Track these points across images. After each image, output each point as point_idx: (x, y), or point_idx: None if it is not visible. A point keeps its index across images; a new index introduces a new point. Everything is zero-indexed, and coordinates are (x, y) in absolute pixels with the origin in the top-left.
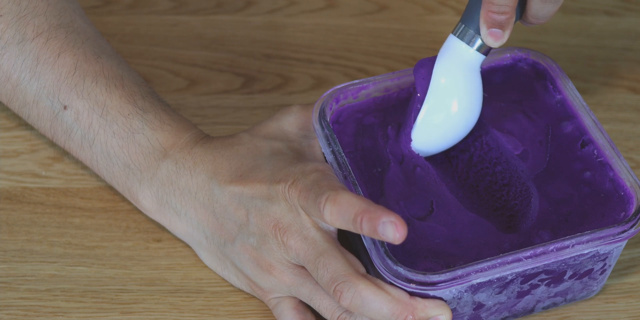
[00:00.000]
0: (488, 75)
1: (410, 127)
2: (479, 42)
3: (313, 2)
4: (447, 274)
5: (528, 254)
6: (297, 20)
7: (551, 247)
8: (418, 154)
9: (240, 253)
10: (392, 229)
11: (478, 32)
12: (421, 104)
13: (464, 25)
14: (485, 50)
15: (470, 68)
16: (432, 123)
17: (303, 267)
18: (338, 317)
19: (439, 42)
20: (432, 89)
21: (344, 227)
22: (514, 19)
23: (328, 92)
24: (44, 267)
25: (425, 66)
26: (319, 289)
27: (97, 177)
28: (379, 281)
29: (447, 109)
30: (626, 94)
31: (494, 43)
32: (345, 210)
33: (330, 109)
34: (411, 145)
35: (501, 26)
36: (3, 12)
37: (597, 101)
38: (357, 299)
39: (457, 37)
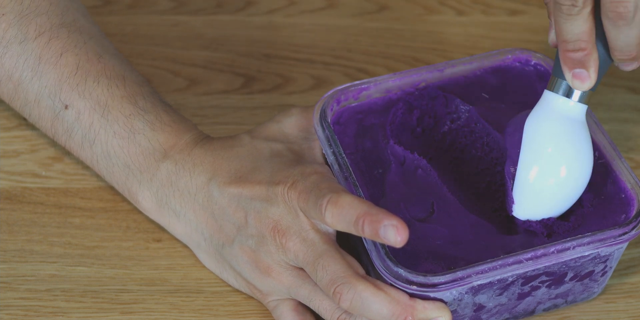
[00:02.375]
0: (489, 76)
1: (511, 191)
2: (579, 92)
3: (313, 2)
4: (448, 275)
5: (529, 255)
6: (297, 20)
7: (552, 249)
8: (421, 157)
9: (238, 255)
10: (393, 232)
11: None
12: (517, 167)
13: (557, 78)
14: (584, 98)
15: (575, 121)
16: (541, 190)
17: (301, 269)
18: (338, 318)
19: (439, 42)
20: (538, 153)
21: (345, 229)
22: (596, 55)
23: (329, 93)
24: (44, 267)
25: (516, 127)
26: (318, 291)
27: (97, 177)
28: (378, 282)
29: (558, 175)
30: (626, 94)
31: (581, 86)
32: (346, 212)
33: (331, 110)
34: (513, 210)
35: (582, 64)
36: (5, 11)
37: (597, 101)
38: (357, 300)
39: (553, 91)
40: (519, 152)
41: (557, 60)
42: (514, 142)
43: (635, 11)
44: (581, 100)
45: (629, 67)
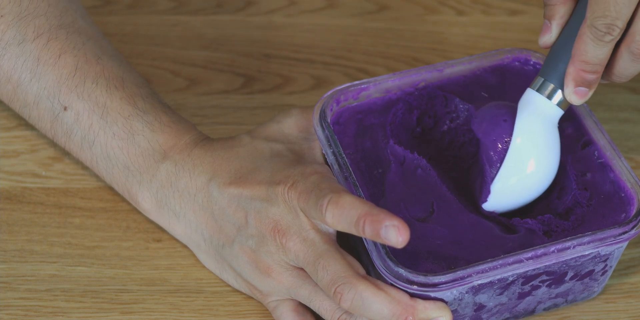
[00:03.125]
0: (488, 76)
1: (487, 185)
2: (559, 97)
3: (313, 2)
4: (448, 275)
5: (529, 255)
6: (297, 20)
7: (552, 249)
8: (420, 157)
9: (238, 256)
10: (394, 233)
11: (560, 87)
12: (491, 162)
13: (544, 80)
14: (565, 105)
15: (550, 123)
16: (508, 183)
17: (302, 269)
18: (338, 319)
19: (439, 42)
20: (510, 148)
21: (345, 229)
22: (600, 77)
23: (328, 93)
24: (44, 267)
25: (484, 117)
26: (319, 291)
27: (97, 177)
28: (379, 282)
29: (525, 169)
30: (626, 94)
31: (577, 101)
32: (347, 212)
33: (331, 110)
34: (484, 205)
35: (589, 85)
36: (4, 13)
37: (597, 101)
38: (358, 300)
39: (537, 91)
40: (492, 140)
41: (551, 65)
42: (483, 131)
43: None
44: (559, 105)
45: (582, 100)
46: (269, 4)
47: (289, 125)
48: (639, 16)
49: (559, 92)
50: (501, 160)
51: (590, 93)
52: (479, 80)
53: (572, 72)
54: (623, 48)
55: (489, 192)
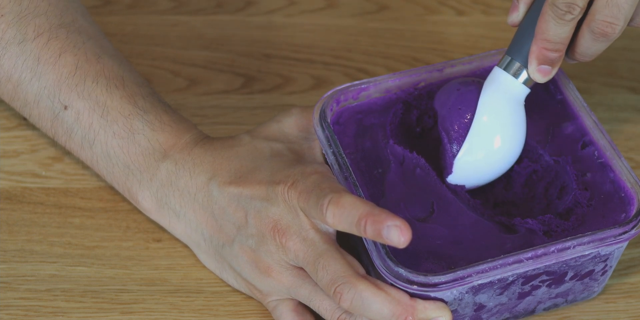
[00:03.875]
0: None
1: (450, 160)
2: (525, 76)
3: (313, 2)
4: (448, 275)
5: (529, 255)
6: (297, 20)
7: (552, 249)
8: (419, 157)
9: (238, 255)
10: (396, 233)
11: (526, 65)
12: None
13: (510, 58)
14: (531, 84)
15: (515, 101)
16: (474, 159)
17: (302, 269)
18: (338, 318)
19: (439, 42)
20: (474, 124)
21: (346, 230)
22: (563, 55)
23: (328, 93)
24: (44, 267)
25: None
26: (319, 290)
27: (97, 177)
28: (379, 282)
29: (491, 146)
30: (626, 94)
31: (541, 79)
32: (348, 213)
33: (331, 110)
34: (449, 178)
35: (552, 63)
36: (4, 12)
37: (597, 101)
38: (358, 300)
39: (504, 69)
40: (448, 110)
41: (517, 44)
42: (440, 102)
43: (618, 34)
44: (525, 83)
45: (546, 78)
46: (269, 4)
47: (289, 124)
48: None
49: (525, 70)
50: (459, 132)
51: (554, 71)
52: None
53: (535, 50)
54: (584, 27)
55: (452, 165)
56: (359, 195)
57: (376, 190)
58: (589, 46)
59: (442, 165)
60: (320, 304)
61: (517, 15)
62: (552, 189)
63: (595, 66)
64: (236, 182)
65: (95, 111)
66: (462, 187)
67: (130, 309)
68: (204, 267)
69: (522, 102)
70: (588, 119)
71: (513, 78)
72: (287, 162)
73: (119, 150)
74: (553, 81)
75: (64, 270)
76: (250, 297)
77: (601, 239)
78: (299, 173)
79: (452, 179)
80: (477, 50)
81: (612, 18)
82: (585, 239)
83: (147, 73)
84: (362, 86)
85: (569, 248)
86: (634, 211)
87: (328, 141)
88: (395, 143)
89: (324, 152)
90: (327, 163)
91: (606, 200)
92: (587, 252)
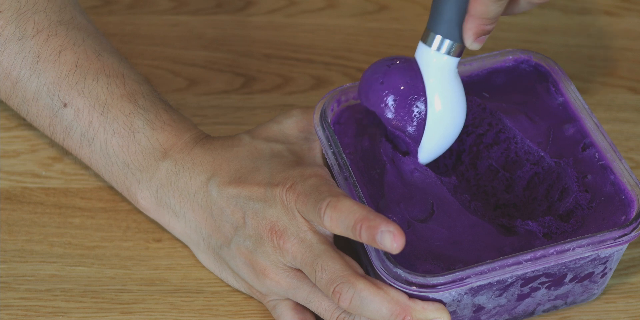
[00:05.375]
0: (490, 77)
1: (414, 146)
2: (452, 47)
3: (313, 2)
4: (447, 276)
5: (528, 257)
6: (297, 20)
7: (551, 250)
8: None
9: (235, 256)
10: (390, 239)
11: (455, 40)
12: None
13: (432, 32)
14: (459, 52)
15: (450, 71)
16: (434, 141)
17: (299, 270)
18: (337, 318)
19: None
20: (429, 111)
21: (342, 233)
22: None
23: (329, 93)
24: (44, 267)
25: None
26: (317, 291)
27: (97, 177)
28: (377, 282)
29: (445, 125)
30: (626, 94)
31: (478, 47)
32: (345, 217)
33: (332, 110)
34: (421, 161)
35: (486, 33)
36: (3, 9)
37: (597, 101)
38: (357, 299)
39: (427, 44)
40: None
41: (435, 16)
42: (371, 103)
43: None
44: (453, 54)
45: (481, 45)
46: (269, 4)
47: (290, 125)
48: None
49: (450, 42)
50: (411, 120)
51: (486, 38)
52: (481, 80)
53: (473, 27)
54: None
55: (417, 152)
56: (359, 196)
57: (376, 190)
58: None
59: (402, 151)
60: (318, 305)
61: None
62: (553, 191)
63: (595, 66)
64: (235, 182)
65: (95, 109)
66: (453, 180)
67: (130, 309)
68: (204, 267)
69: (455, 70)
70: (589, 121)
71: (444, 54)
72: (286, 163)
73: (119, 148)
74: (554, 83)
75: (64, 270)
76: (250, 297)
77: (601, 242)
78: (298, 175)
79: (423, 160)
80: (477, 51)
81: None
82: (585, 241)
83: (147, 73)
84: None
85: (568, 250)
86: (634, 213)
87: (328, 141)
88: (387, 141)
89: (324, 152)
90: (327, 164)
91: (606, 202)
92: (586, 255)
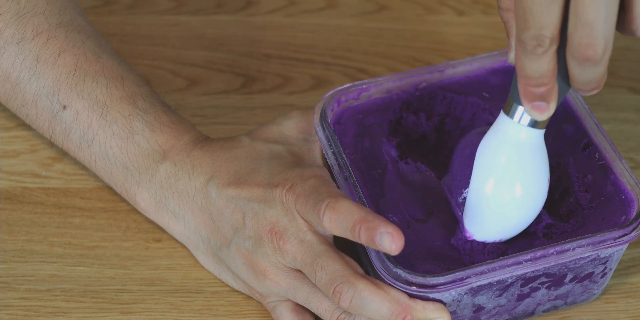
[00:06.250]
0: (490, 77)
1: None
2: (528, 117)
3: (313, 2)
4: (447, 276)
5: (528, 257)
6: (297, 20)
7: (551, 251)
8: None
9: (235, 257)
10: (388, 240)
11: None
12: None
13: (513, 102)
14: (540, 124)
15: (525, 144)
16: (488, 210)
17: (299, 271)
18: (337, 319)
19: (439, 42)
20: (491, 175)
21: (341, 234)
22: (556, 87)
23: (329, 93)
24: (44, 267)
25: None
26: (317, 292)
27: (97, 177)
28: (378, 281)
29: (508, 194)
30: (626, 94)
31: (539, 116)
32: (344, 218)
33: (332, 110)
34: (470, 236)
35: (543, 98)
36: (2, 11)
37: (597, 101)
38: (357, 299)
39: (508, 115)
40: (464, 169)
41: (514, 86)
42: (462, 160)
43: (603, 53)
44: (534, 126)
45: (589, 93)
46: (269, 4)
47: (289, 127)
48: (572, 18)
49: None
50: (460, 184)
51: (552, 105)
52: (480, 80)
53: (521, 89)
54: (568, 57)
55: (463, 225)
56: (359, 196)
57: (376, 190)
58: (581, 73)
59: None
60: (318, 305)
61: (511, 55)
62: (553, 191)
63: None
64: (234, 184)
65: (94, 111)
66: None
67: (130, 309)
68: (204, 267)
69: (539, 144)
70: (589, 121)
71: (511, 120)
72: (286, 164)
73: (118, 150)
74: None
75: (64, 270)
76: (250, 297)
77: (601, 242)
78: (298, 176)
79: (477, 237)
80: (478, 51)
81: (588, 39)
82: (585, 241)
83: (147, 73)
84: (363, 86)
85: (568, 250)
86: (634, 214)
87: (328, 141)
88: (389, 142)
89: (324, 152)
90: (327, 164)
91: (606, 202)
92: (586, 255)
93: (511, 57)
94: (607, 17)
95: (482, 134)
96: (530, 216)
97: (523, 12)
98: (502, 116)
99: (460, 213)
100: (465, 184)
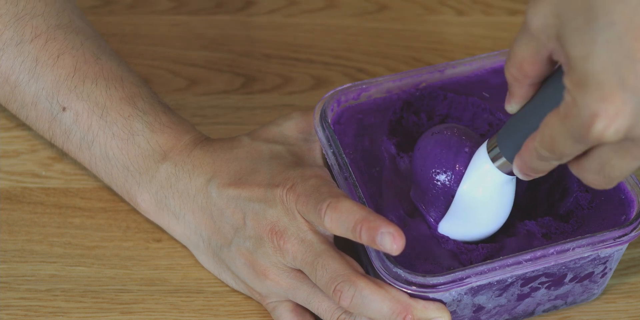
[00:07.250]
0: (490, 77)
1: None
2: (505, 165)
3: (313, 2)
4: (447, 276)
5: (528, 257)
6: (297, 20)
7: (551, 250)
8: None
9: (235, 257)
10: (389, 240)
11: (509, 158)
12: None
13: (496, 144)
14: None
15: (497, 184)
16: (454, 225)
17: (299, 271)
18: (337, 318)
19: (439, 42)
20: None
21: (343, 234)
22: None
23: (329, 93)
24: (44, 267)
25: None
26: (317, 291)
27: (97, 177)
28: (378, 281)
29: (470, 219)
30: None
31: (525, 178)
32: (345, 218)
33: (332, 110)
34: (439, 230)
35: (537, 173)
36: (0, 13)
37: None
38: (358, 298)
39: (489, 153)
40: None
41: (504, 129)
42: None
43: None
44: (505, 171)
45: (522, 175)
46: (269, 4)
47: (289, 127)
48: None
49: (504, 159)
50: (436, 196)
51: (541, 174)
52: (481, 80)
53: (518, 164)
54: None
55: (436, 222)
56: (359, 196)
57: (375, 189)
58: (537, 163)
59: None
60: (319, 305)
61: (511, 110)
62: (553, 192)
63: None
64: (235, 184)
65: (94, 112)
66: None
67: (130, 309)
68: (204, 267)
69: (509, 181)
70: None
71: (497, 169)
72: (286, 164)
73: (118, 151)
74: None
75: (64, 270)
76: (250, 297)
77: (600, 241)
78: (298, 176)
79: (441, 230)
80: (478, 50)
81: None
82: (585, 241)
83: (147, 73)
84: (363, 86)
85: (568, 250)
86: (634, 213)
87: (328, 141)
88: (389, 139)
89: (324, 152)
90: (327, 164)
91: (606, 202)
92: (586, 254)
93: (508, 109)
94: (625, 176)
95: (438, 134)
96: (488, 232)
97: (550, 141)
98: (482, 150)
99: (422, 207)
100: (428, 183)
